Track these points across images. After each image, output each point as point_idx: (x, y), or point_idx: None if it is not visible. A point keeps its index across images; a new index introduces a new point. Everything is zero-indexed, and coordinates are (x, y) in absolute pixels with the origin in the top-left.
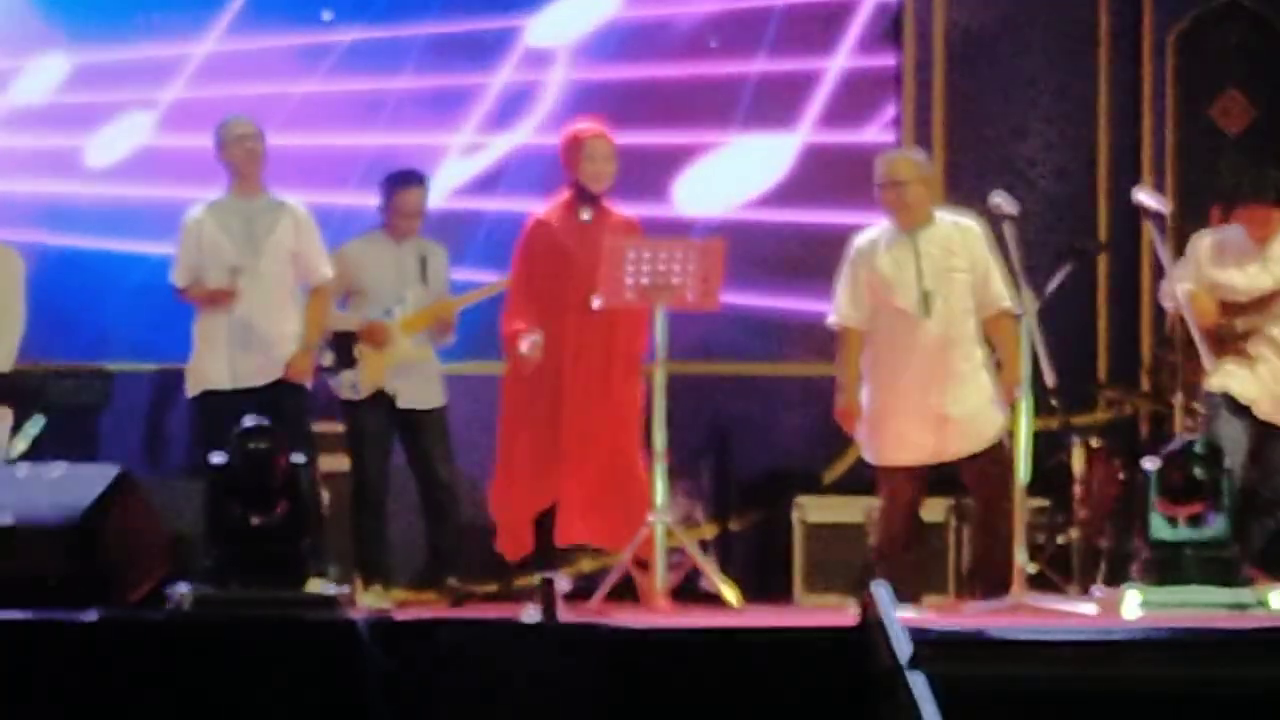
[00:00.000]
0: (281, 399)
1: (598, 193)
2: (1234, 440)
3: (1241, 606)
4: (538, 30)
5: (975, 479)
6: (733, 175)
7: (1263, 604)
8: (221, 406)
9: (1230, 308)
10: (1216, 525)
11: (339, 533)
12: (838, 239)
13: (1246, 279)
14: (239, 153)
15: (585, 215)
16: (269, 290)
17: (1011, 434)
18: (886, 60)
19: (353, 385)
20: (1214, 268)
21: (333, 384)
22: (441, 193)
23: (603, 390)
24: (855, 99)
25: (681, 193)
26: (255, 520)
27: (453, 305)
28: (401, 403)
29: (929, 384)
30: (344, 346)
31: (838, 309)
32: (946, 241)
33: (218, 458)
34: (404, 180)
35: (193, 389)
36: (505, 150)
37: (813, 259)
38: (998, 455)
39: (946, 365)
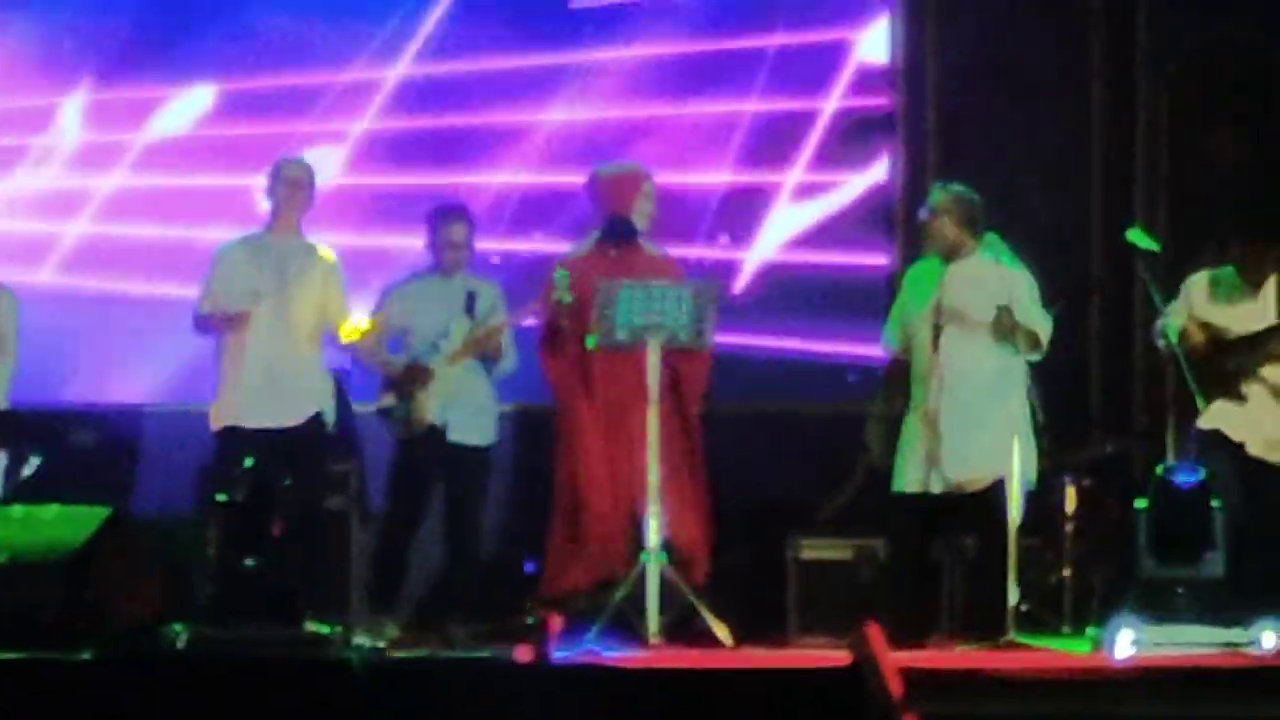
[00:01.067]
0: (302, 440)
1: (644, 231)
2: (1226, 478)
3: (1233, 645)
4: None
5: (971, 518)
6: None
7: (1254, 643)
8: (241, 444)
9: (1222, 346)
10: (1209, 563)
11: (335, 572)
12: (830, 281)
13: (1239, 318)
14: (285, 193)
15: (614, 251)
16: (296, 331)
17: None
18: (880, 100)
19: (405, 423)
20: (1208, 305)
21: (387, 425)
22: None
23: (641, 428)
24: (849, 139)
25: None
26: (253, 560)
27: (491, 331)
28: (452, 435)
29: (935, 417)
30: (397, 388)
31: (884, 335)
32: (978, 279)
33: (220, 497)
34: (447, 215)
35: (215, 423)
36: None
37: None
38: (995, 497)
39: (954, 399)
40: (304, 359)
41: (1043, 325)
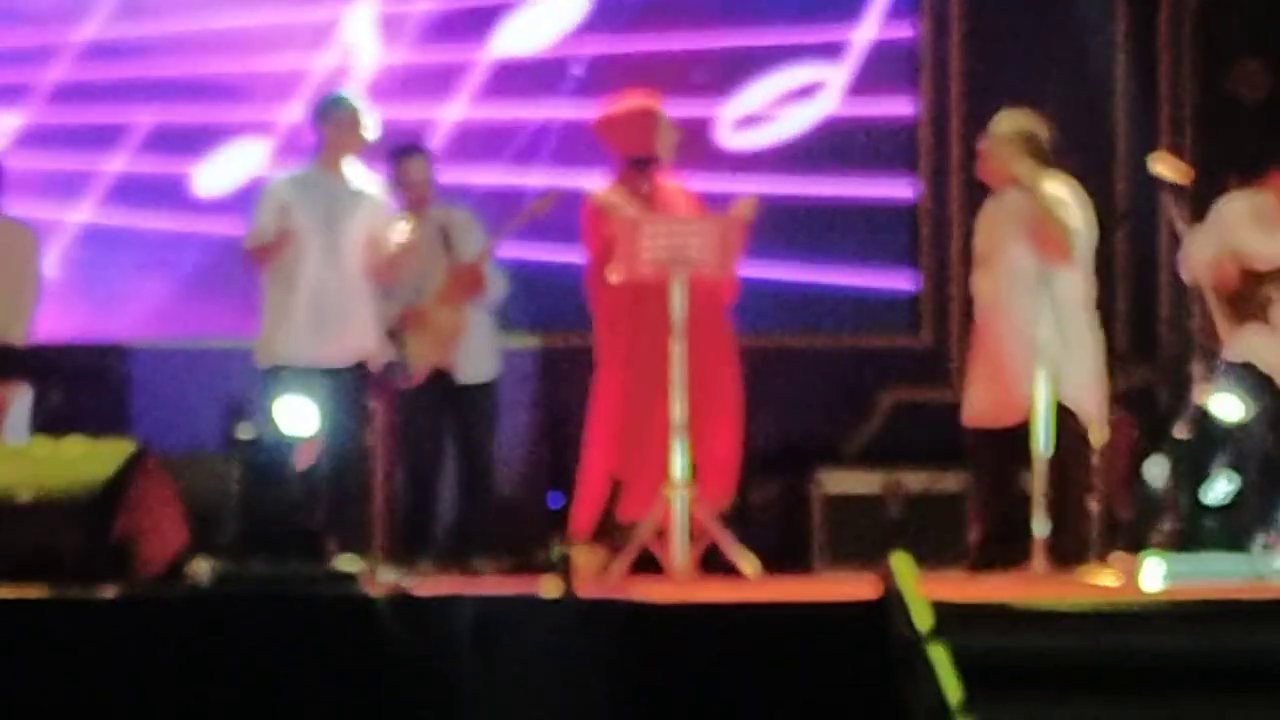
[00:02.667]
0: (346, 383)
1: (668, 162)
2: (1254, 408)
3: (1261, 575)
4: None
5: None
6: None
7: None
8: (281, 381)
9: (1252, 275)
10: (1236, 493)
11: (358, 509)
12: (855, 212)
13: (1271, 246)
14: (341, 132)
15: (646, 188)
16: (344, 271)
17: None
18: (903, 34)
19: (403, 371)
20: (1245, 231)
21: (390, 376)
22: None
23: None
24: (872, 73)
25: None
26: (277, 496)
27: (471, 265)
28: (460, 378)
29: (993, 346)
30: (393, 336)
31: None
32: (1020, 209)
33: (243, 433)
34: (405, 152)
35: (262, 361)
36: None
37: (834, 230)
38: (1059, 424)
39: (1007, 326)
40: (354, 297)
41: (1080, 235)
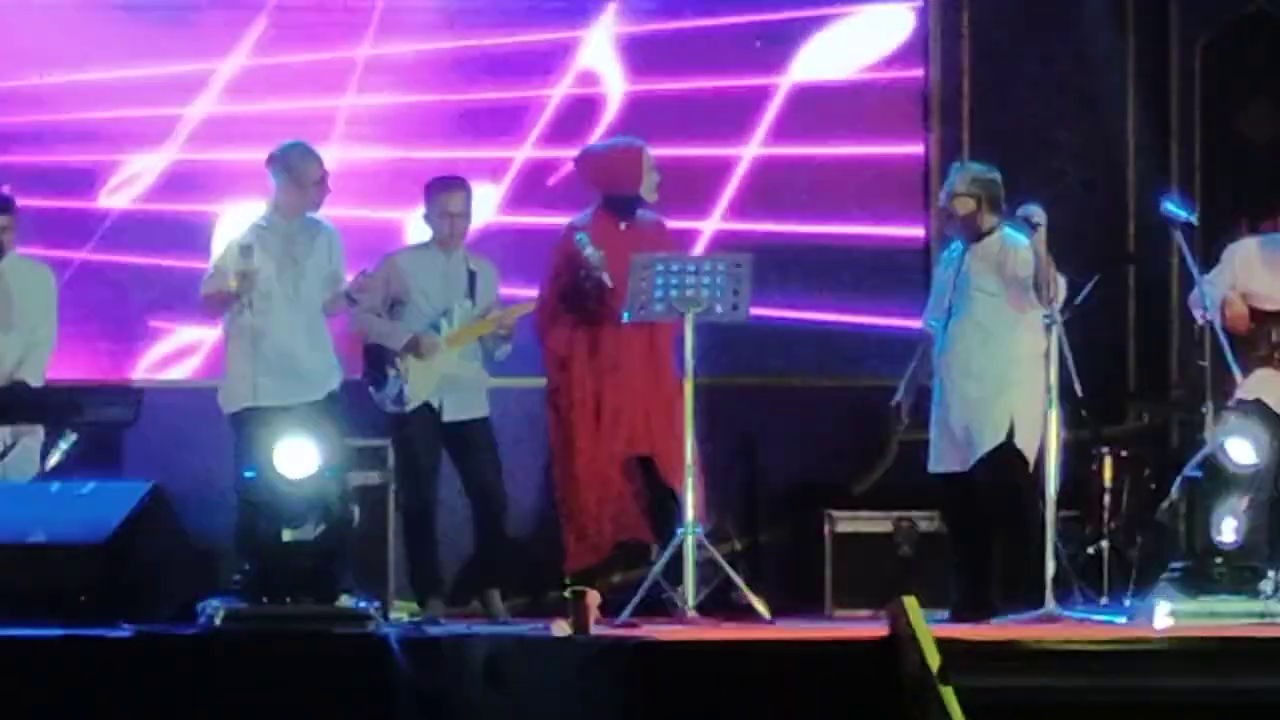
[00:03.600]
0: (317, 414)
1: (652, 202)
2: (1266, 449)
3: (1272, 617)
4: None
5: (987, 489)
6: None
7: None
8: (258, 422)
9: (1265, 316)
10: (1248, 535)
11: (372, 548)
12: (862, 252)
13: None
14: (292, 187)
15: (623, 225)
16: (305, 313)
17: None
18: (914, 71)
19: (397, 398)
20: (1256, 272)
21: (376, 398)
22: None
23: (645, 398)
24: (884, 113)
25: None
26: (287, 536)
27: (500, 318)
28: (448, 415)
29: (951, 396)
30: (382, 359)
31: (924, 314)
32: (993, 258)
33: (250, 473)
34: (446, 184)
35: (227, 406)
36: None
37: (846, 270)
38: (1003, 461)
39: (966, 380)
40: (318, 337)
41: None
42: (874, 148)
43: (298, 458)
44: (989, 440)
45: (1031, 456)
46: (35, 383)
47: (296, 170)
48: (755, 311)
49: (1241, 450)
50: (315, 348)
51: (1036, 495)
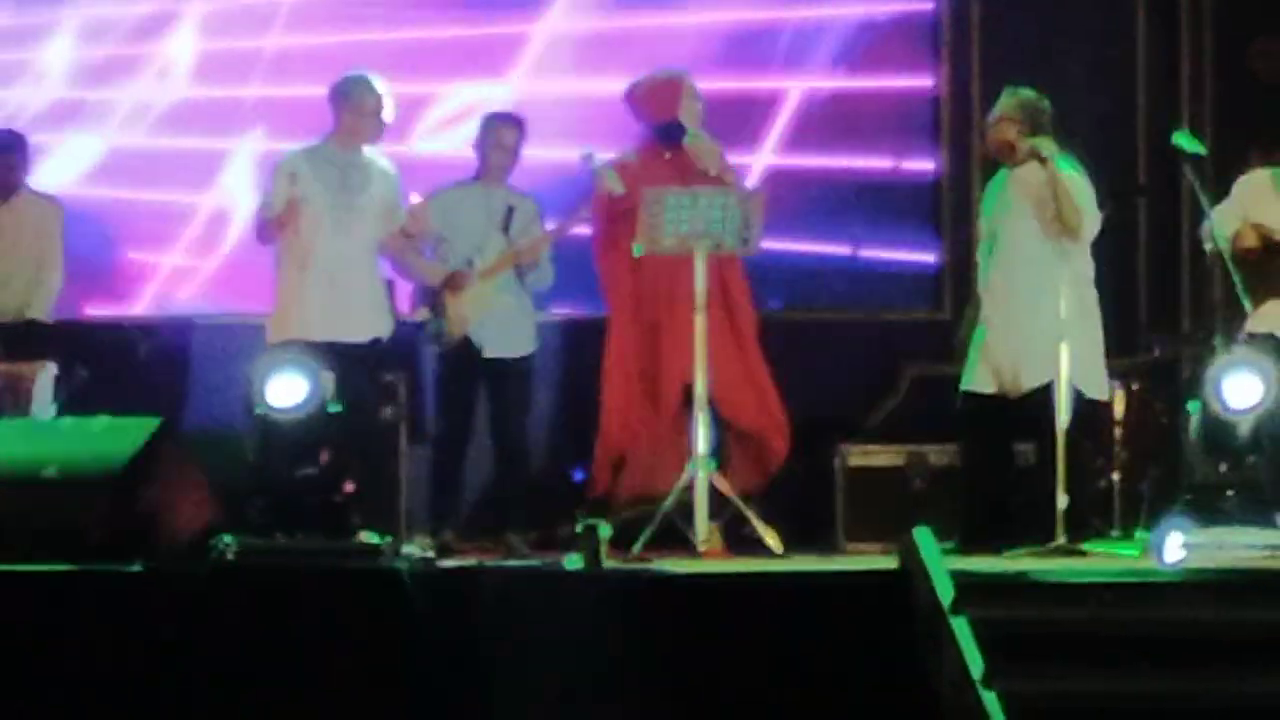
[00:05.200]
0: (361, 358)
1: (697, 129)
2: (1274, 383)
3: None
4: None
5: (1023, 423)
6: None
7: None
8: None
9: (1274, 247)
10: (1258, 467)
11: (384, 482)
12: (878, 186)
13: None
14: (358, 117)
15: (668, 154)
16: (357, 248)
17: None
18: (924, 6)
19: (438, 335)
20: (1267, 204)
21: (426, 338)
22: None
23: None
24: (894, 47)
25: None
26: (301, 471)
27: (534, 244)
28: (488, 351)
29: (995, 321)
30: (431, 298)
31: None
32: (1030, 185)
33: (259, 409)
34: (503, 118)
35: (274, 336)
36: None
37: (856, 205)
38: (1045, 401)
39: (1013, 301)
40: (366, 273)
41: (1089, 213)
42: (884, 81)
43: (288, 391)
44: (1036, 375)
45: (1089, 390)
46: (44, 318)
47: (353, 99)
48: (764, 245)
49: (1243, 388)
50: (364, 284)
51: (1081, 434)
